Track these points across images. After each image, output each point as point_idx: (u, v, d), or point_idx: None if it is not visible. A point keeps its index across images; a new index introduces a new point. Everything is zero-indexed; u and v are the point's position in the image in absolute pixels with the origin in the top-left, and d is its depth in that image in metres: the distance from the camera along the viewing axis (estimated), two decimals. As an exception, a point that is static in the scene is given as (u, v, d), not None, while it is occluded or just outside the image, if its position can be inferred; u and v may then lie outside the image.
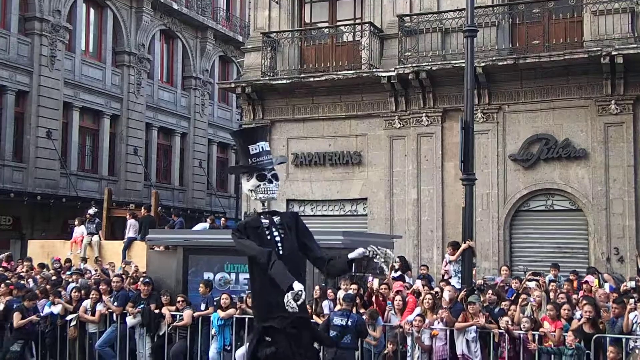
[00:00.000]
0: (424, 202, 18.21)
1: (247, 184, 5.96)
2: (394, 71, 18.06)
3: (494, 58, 17.18)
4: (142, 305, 12.83)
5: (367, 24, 19.07)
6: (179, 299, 12.70)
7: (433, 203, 18.10)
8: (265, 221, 5.84)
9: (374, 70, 18.55)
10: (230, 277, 13.50)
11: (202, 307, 12.62)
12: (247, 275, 13.73)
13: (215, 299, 12.50)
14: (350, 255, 5.64)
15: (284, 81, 19.44)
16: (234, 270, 13.50)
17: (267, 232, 5.78)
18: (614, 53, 16.00)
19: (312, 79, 19.15)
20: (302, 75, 19.47)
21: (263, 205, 5.95)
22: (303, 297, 5.09)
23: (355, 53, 19.30)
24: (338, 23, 20.32)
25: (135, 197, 28.20)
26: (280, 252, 5.69)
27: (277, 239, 5.77)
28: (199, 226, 20.78)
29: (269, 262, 5.33)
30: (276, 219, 5.88)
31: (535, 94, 17.37)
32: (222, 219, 21.84)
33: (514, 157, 17.44)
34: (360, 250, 5.64)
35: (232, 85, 21.50)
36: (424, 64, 17.87)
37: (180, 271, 13.66)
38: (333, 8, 20.51)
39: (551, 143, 17.12)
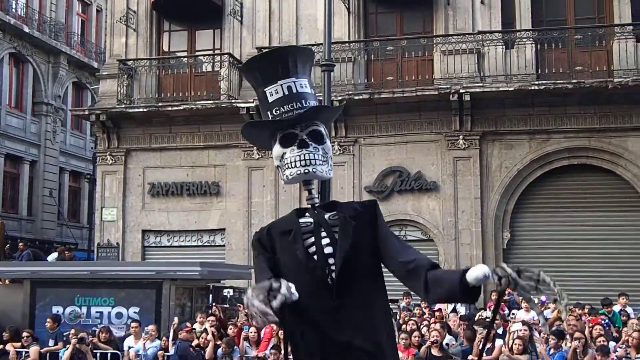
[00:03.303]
0: (281, 233, 18.26)
1: (274, 157, 3.49)
2: (252, 102, 18.15)
3: (350, 92, 17.65)
4: (-17, 343, 12.11)
5: (226, 55, 19.11)
6: (24, 334, 12.08)
7: (291, 234, 18.19)
8: (306, 220, 3.36)
9: (233, 100, 18.58)
10: (81, 311, 13.03)
11: (51, 342, 12.08)
12: (99, 309, 13.37)
13: (64, 334, 12.01)
14: (473, 276, 2.91)
15: (141, 109, 19.08)
16: (85, 303, 13.04)
17: (305, 241, 3.29)
18: (461, 91, 16.87)
19: (169, 108, 18.91)
20: (160, 104, 19.19)
21: (309, 193, 3.49)
22: (285, 293, 2.79)
23: (214, 83, 19.26)
24: (197, 53, 20.23)
25: (-21, 227, 26.57)
26: (333, 274, 3.20)
27: (327, 250, 3.24)
28: (51, 257, 19.97)
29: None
30: (329, 215, 3.36)
31: (389, 127, 17.96)
32: (67, 252, 20.98)
33: (369, 189, 17.90)
34: (485, 270, 2.90)
35: (86, 113, 20.86)
36: (282, 96, 18.04)
37: (27, 305, 13.04)
38: (192, 38, 20.42)
39: (404, 175, 17.73)
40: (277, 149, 3.43)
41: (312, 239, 3.29)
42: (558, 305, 3.03)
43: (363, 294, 3.22)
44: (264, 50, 3.14)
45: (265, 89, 3.47)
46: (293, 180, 3.41)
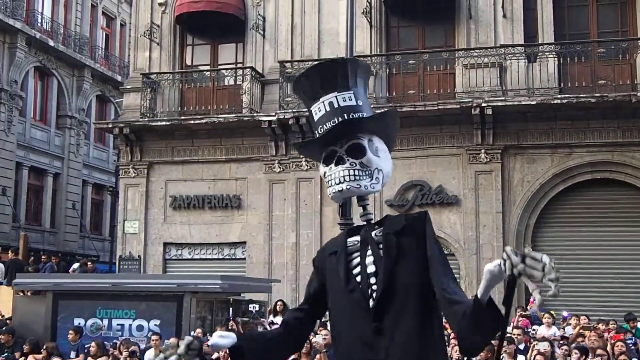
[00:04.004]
0: (302, 246, 18.31)
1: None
2: (274, 116, 18.22)
3: (372, 106, 17.51)
4: (5, 354, 12.20)
5: (248, 69, 19.21)
6: (45, 345, 12.16)
7: (311, 247, 18.21)
8: (353, 239, 3.24)
9: (255, 114, 18.65)
10: (102, 323, 13.09)
11: (72, 355, 12.15)
12: (120, 321, 13.43)
13: (86, 346, 12.07)
14: (484, 291, 2.74)
15: (164, 123, 19.21)
16: (106, 315, 13.11)
17: (351, 262, 3.16)
18: (483, 105, 16.81)
19: (192, 122, 19.03)
20: (182, 117, 19.31)
21: (364, 209, 3.32)
22: (181, 352, 2.91)
23: (236, 97, 19.36)
24: (219, 67, 20.36)
25: (2, 239, 26.84)
26: (372, 299, 3.06)
27: (370, 269, 3.10)
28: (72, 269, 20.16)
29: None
30: (377, 231, 3.21)
31: (410, 141, 17.92)
32: (90, 263, 21.20)
33: (390, 203, 17.85)
34: (494, 263, 2.70)
35: (110, 126, 21.05)
36: (304, 110, 18.09)
37: (49, 317, 13.14)
38: (215, 52, 20.55)
39: (425, 189, 17.67)
40: (321, 169, 3.33)
41: (358, 259, 3.14)
42: (546, 282, 2.55)
43: (406, 317, 2.99)
44: (306, 68, 2.88)
45: (311, 108, 3.39)
46: (334, 199, 3.29)
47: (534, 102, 16.82)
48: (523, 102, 16.92)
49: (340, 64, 3.48)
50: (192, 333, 12.37)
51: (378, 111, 3.46)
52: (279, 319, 13.68)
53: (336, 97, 3.28)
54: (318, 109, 3.33)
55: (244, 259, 18.96)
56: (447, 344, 10.44)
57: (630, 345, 11.56)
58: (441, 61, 18.01)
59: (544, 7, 17.87)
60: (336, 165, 3.22)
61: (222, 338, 3.13)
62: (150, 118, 19.47)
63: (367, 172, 3.20)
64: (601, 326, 12.59)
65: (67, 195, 32.31)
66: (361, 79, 3.43)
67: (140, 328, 13.01)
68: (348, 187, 3.17)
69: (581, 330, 12.10)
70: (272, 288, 16.35)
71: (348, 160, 3.20)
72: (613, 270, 16.82)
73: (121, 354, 11.89)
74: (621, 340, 10.94)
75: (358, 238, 3.21)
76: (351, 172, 3.18)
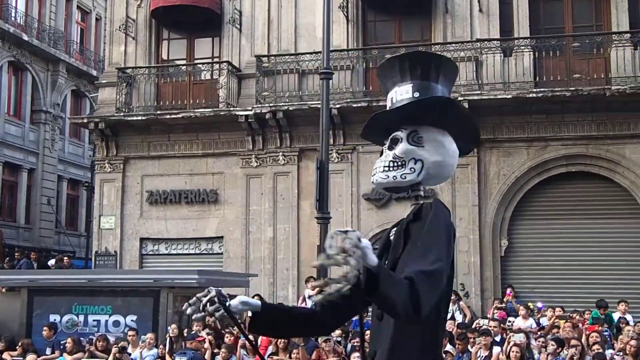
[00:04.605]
0: (279, 241, 18.30)
1: None
2: (251, 110, 18.18)
3: (349, 100, 17.67)
4: (-20, 351, 12.09)
5: (225, 63, 19.13)
6: (20, 342, 12.07)
7: (289, 241, 18.22)
8: (394, 230, 3.35)
9: (232, 109, 18.59)
10: (78, 319, 13.01)
11: (48, 351, 12.06)
12: (97, 317, 13.35)
13: (62, 342, 12.00)
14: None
15: (140, 117, 19.09)
16: (82, 311, 13.03)
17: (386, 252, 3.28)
18: (459, 98, 16.86)
19: (168, 116, 18.92)
20: (159, 112, 19.20)
21: (415, 199, 3.33)
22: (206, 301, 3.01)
23: (212, 91, 19.28)
24: (196, 61, 20.26)
25: (-23, 235, 26.56)
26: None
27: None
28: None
29: None
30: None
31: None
32: (66, 258, 21.05)
33: (367, 197, 17.89)
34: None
35: (85, 121, 20.87)
36: (281, 104, 18.10)
37: (24, 314, 13.04)
38: (191, 46, 20.45)
39: (402, 183, 17.68)
40: None
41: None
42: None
43: None
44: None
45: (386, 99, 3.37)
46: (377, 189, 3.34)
47: (509, 96, 16.93)
48: (499, 96, 17.03)
49: (400, 57, 3.37)
50: (168, 328, 12.34)
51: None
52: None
53: (395, 91, 3.27)
54: (387, 105, 3.31)
55: (221, 253, 18.92)
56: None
57: (606, 336, 11.69)
58: (417, 55, 18.02)
59: (520, 2, 17.97)
60: (380, 156, 3.28)
61: (243, 304, 3.17)
62: (125, 113, 19.34)
63: (399, 163, 3.19)
64: (576, 316, 12.72)
65: (42, 190, 32.02)
66: (426, 71, 3.28)
67: (116, 324, 12.95)
68: (377, 179, 3.22)
69: (556, 321, 12.21)
70: (250, 282, 16.34)
71: (385, 152, 3.25)
72: (588, 261, 16.99)
73: (98, 349, 11.85)
74: (596, 331, 11.06)
75: (395, 229, 3.28)
76: (382, 164, 3.22)
